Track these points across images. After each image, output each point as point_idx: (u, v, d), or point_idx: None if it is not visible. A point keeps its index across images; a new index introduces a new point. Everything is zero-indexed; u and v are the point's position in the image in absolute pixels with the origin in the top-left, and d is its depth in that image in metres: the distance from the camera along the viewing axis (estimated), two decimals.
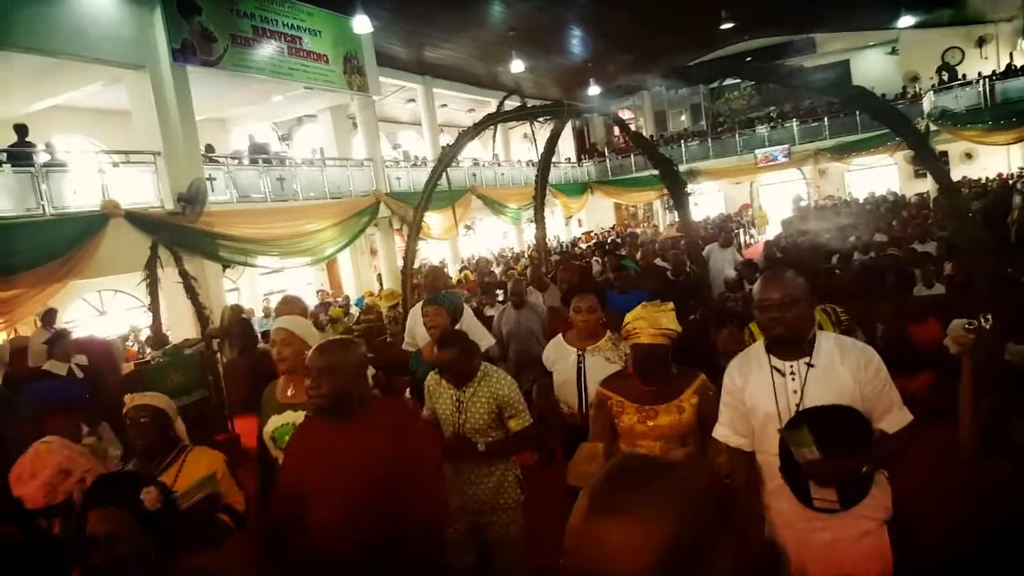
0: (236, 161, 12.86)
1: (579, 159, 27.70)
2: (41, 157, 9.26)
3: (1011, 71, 18.76)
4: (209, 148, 12.86)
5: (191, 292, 8.44)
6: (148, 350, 9.62)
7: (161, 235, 9.34)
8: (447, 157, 8.97)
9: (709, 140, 24.93)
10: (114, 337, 9.16)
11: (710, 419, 2.58)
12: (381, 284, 15.96)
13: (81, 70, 10.23)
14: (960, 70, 21.05)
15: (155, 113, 10.50)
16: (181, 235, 9.99)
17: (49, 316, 7.84)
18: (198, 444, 2.98)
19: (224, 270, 11.44)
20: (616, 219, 28.59)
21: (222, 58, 11.56)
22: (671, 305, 2.85)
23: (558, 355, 3.69)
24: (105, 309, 12.88)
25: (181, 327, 9.88)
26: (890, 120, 4.63)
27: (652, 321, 2.71)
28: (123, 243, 9.28)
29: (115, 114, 12.27)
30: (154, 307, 8.93)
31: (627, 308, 5.42)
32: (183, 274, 8.57)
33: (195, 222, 10.38)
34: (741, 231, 21.52)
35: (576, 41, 20.95)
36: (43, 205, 8.71)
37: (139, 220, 9.59)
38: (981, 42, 22.12)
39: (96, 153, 11.17)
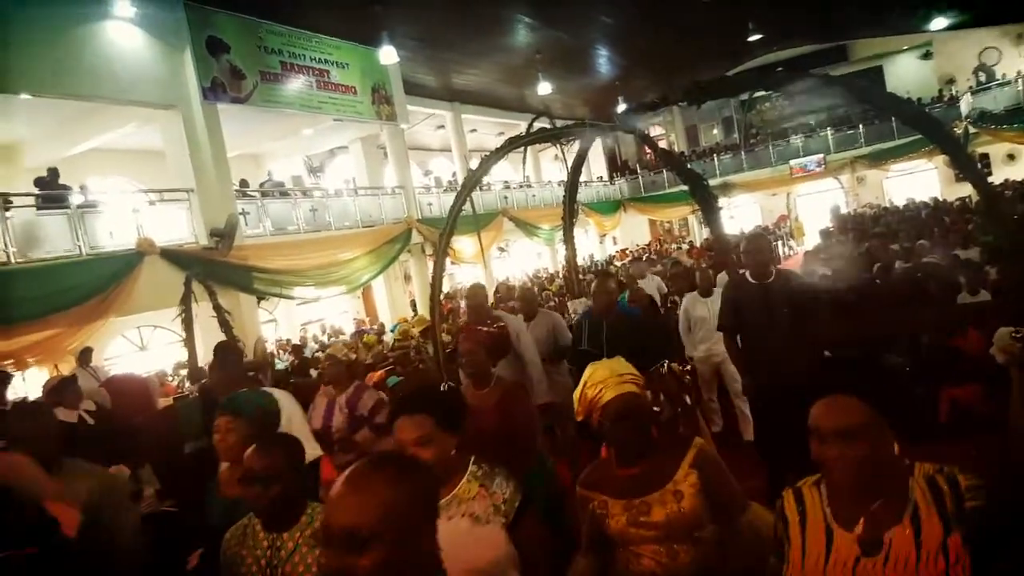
0: (263, 195, 13.06)
1: (611, 177, 27.60)
2: (76, 198, 9.53)
3: None
4: (243, 183, 13.13)
5: (225, 326, 8.57)
6: (187, 384, 9.77)
7: (195, 270, 9.51)
8: (471, 181, 8.95)
9: (742, 153, 24.64)
10: (150, 373, 9.32)
11: (721, 495, 2.09)
12: (415, 310, 16.00)
13: (116, 113, 10.57)
14: (998, 70, 20.44)
15: (187, 151, 10.75)
16: (215, 269, 10.16)
17: (85, 355, 8.00)
18: None
19: (259, 302, 11.57)
20: (651, 235, 28.32)
21: (252, 94, 11.82)
22: (618, 357, 2.33)
23: None
24: (145, 345, 13.16)
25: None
26: (922, 125, 4.44)
27: (610, 370, 2.18)
28: (159, 279, 9.46)
29: (150, 154, 12.60)
30: (189, 342, 9.07)
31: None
32: (217, 308, 8.71)
33: (228, 256, 10.55)
34: (779, 243, 21.09)
35: (603, 60, 20.93)
36: (79, 246, 8.95)
37: (174, 256, 9.79)
38: (1019, 39, 21.43)
39: (132, 193, 11.46)
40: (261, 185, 13.89)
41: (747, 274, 4.17)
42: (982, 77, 20.11)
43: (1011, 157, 20.52)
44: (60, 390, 5.35)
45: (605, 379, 2.15)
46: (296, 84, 12.86)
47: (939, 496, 1.52)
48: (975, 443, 4.53)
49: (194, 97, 10.84)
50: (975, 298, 6.02)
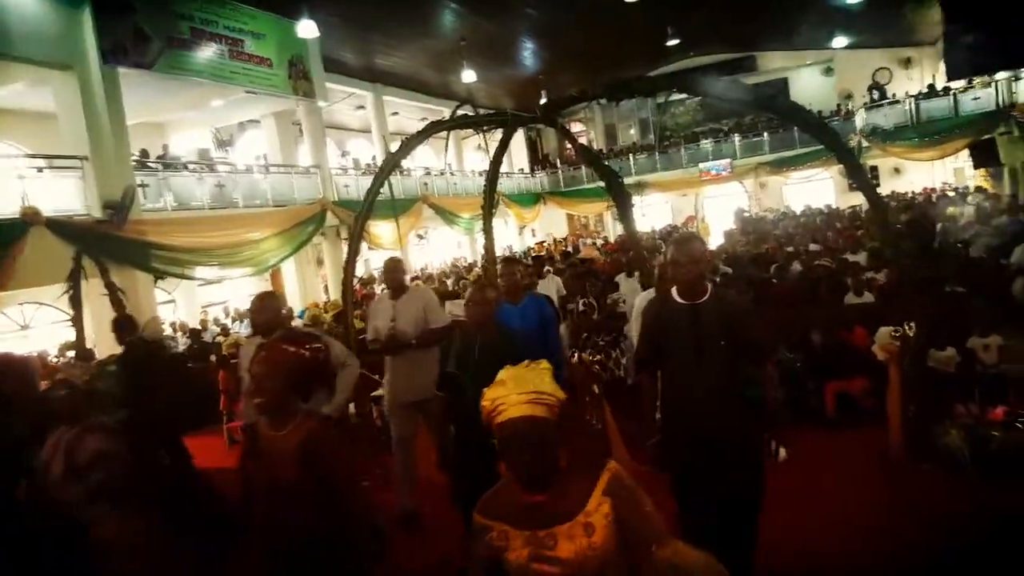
0: (166, 167, 12.39)
1: (532, 170, 27.80)
2: None
3: (934, 92, 19.57)
4: (144, 153, 12.41)
5: (117, 305, 8.08)
6: None
7: (85, 245, 8.91)
8: (390, 164, 8.79)
9: (656, 154, 25.34)
10: (33, 354, 8.72)
11: (637, 527, 1.82)
12: (328, 295, 15.62)
13: (1, 69, 9.74)
14: (889, 89, 21.95)
15: (83, 116, 10.04)
16: (108, 245, 9.55)
17: None
18: None
19: (156, 281, 10.98)
20: (569, 230, 28.73)
21: (157, 60, 11.15)
22: (545, 364, 1.99)
23: None
24: (28, 323, 12.26)
25: (109, 342, 9.42)
26: (821, 134, 4.69)
27: (520, 383, 1.85)
28: (45, 253, 8.77)
29: (40, 116, 11.70)
30: (77, 321, 8.52)
31: (523, 323, 4.27)
32: (109, 286, 8.21)
33: (123, 230, 9.94)
34: None
35: (528, 53, 21.02)
36: None
37: (62, 228, 9.09)
38: (907, 63, 23.18)
39: (16, 157, 10.60)
40: (159, 159, 13.17)
41: (673, 291, 3.11)
42: (875, 95, 21.47)
43: (897, 170, 22.18)
44: None
45: (507, 395, 1.83)
46: (207, 52, 12.23)
47: None
48: (860, 433, 4.89)
49: (92, 59, 10.11)
50: (860, 299, 6.43)
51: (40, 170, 9.79)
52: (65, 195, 9.74)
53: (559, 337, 4.53)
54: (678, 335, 2.98)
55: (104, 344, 9.38)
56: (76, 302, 8.44)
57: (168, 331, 11.55)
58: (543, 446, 1.79)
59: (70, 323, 8.74)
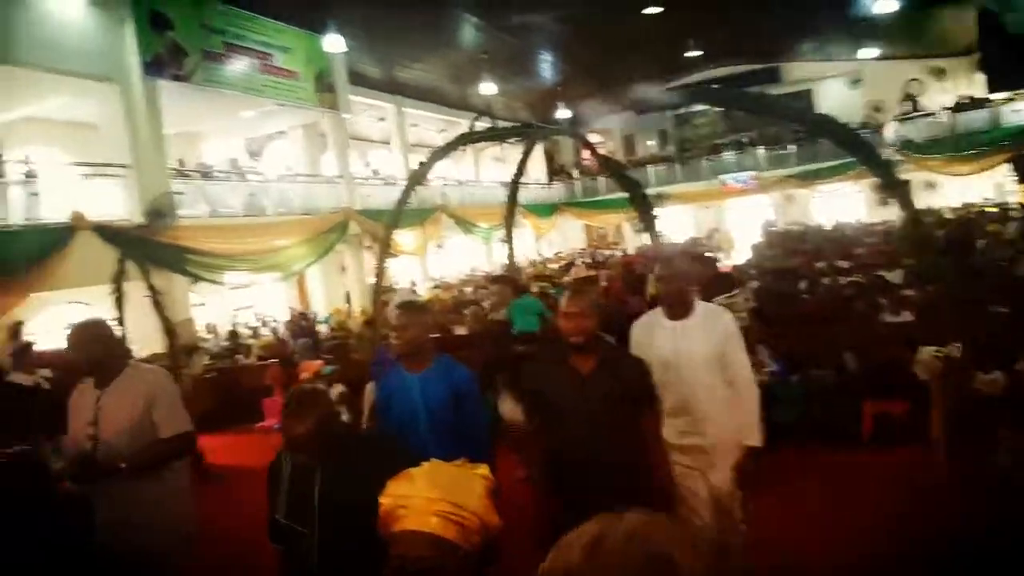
0: (203, 176, 12.69)
1: (549, 180, 27.89)
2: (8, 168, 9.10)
3: (971, 103, 19.16)
4: (180, 162, 12.73)
5: (159, 307, 8.29)
6: None
7: (129, 249, 9.17)
8: (418, 176, 8.96)
9: (676, 165, 25.27)
10: None
11: None
12: (349, 302, 15.81)
13: (50, 82, 10.08)
14: (922, 101, 21.62)
15: (124, 126, 10.40)
16: (149, 249, 9.83)
17: (15, 328, 7.65)
18: None
19: (192, 285, 11.28)
20: (586, 240, 28.79)
21: (193, 73, 11.50)
22: (484, 470, 1.49)
23: None
24: (72, 323, 12.51)
25: (146, 342, 9.67)
26: (853, 147, 4.67)
27: (434, 486, 1.39)
28: (90, 256, 9.10)
29: (80, 126, 12.04)
30: (121, 322, 8.73)
31: (424, 398, 2.90)
32: (152, 288, 8.42)
33: (163, 236, 10.22)
34: (711, 254, 21.78)
35: (546, 65, 21.20)
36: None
37: (107, 233, 9.41)
38: (940, 74, 22.75)
39: (66, 165, 10.97)
40: (197, 168, 13.50)
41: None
42: (907, 107, 21.08)
43: (930, 185, 21.70)
44: (17, 355, 5.39)
45: (412, 496, 1.38)
46: (239, 65, 12.58)
47: None
48: (897, 454, 4.85)
49: (134, 71, 10.48)
50: (898, 318, 6.43)
51: (87, 177, 10.11)
52: (109, 201, 10.05)
53: (481, 412, 3.04)
54: None
55: (142, 344, 9.62)
56: (120, 303, 8.66)
57: (202, 332, 11.83)
58: None
59: (115, 323, 8.96)
